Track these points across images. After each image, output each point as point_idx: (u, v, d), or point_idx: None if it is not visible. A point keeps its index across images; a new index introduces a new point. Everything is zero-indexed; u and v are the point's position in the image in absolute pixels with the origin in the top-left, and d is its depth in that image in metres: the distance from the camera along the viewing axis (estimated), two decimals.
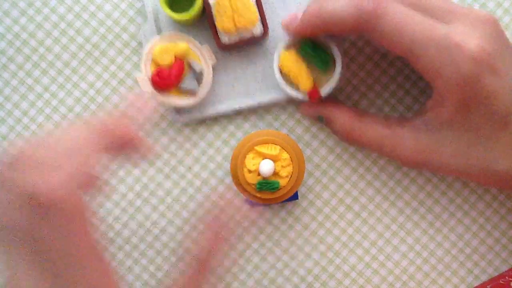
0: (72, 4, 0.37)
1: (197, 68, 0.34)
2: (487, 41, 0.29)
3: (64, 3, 0.37)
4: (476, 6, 0.38)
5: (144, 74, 0.34)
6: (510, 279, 0.37)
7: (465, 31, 0.29)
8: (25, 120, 0.38)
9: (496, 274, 0.38)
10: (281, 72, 0.35)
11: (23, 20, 0.37)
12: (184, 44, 0.34)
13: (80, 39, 0.38)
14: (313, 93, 0.34)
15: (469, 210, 0.38)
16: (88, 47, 0.38)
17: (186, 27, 0.37)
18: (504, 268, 0.38)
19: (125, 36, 0.38)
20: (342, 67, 0.35)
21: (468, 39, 0.29)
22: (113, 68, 0.38)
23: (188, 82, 0.35)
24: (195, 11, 0.34)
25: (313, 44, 0.34)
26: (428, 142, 0.32)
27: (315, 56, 0.34)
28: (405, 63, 0.38)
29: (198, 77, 0.35)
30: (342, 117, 0.34)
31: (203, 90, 0.35)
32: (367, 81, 0.38)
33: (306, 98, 0.34)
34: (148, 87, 0.34)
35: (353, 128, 0.34)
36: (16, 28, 0.37)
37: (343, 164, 0.38)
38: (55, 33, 0.37)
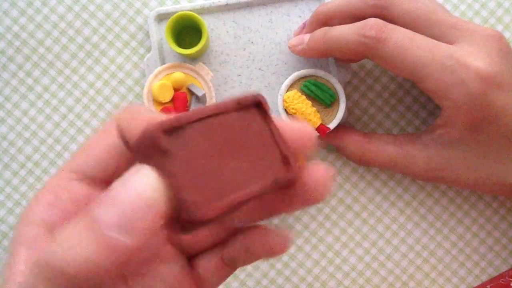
0: (72, 4, 0.37)
1: (199, 92, 0.34)
2: (493, 59, 0.29)
3: (64, 3, 0.37)
4: (476, 7, 0.38)
5: None
6: (510, 279, 0.37)
7: (470, 50, 0.29)
8: (25, 120, 0.37)
9: (496, 274, 0.38)
10: (287, 112, 0.35)
11: (22, 20, 0.37)
12: (179, 74, 0.34)
13: (80, 39, 0.38)
14: (323, 129, 0.34)
15: (469, 210, 0.38)
16: (88, 47, 0.38)
17: (190, 58, 0.37)
18: (504, 268, 0.38)
19: (125, 36, 0.38)
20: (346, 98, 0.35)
21: (474, 58, 0.29)
22: (113, 68, 0.38)
23: (194, 107, 0.35)
24: (199, 48, 0.34)
25: (315, 82, 0.34)
26: (440, 160, 0.32)
27: (319, 91, 0.34)
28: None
29: (202, 98, 0.35)
30: (351, 143, 0.35)
31: None
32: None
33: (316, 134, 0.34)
34: None
35: (364, 153, 0.34)
36: (16, 28, 0.37)
37: (344, 164, 0.38)
38: (55, 33, 0.37)
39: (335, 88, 0.34)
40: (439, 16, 0.30)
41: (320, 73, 0.34)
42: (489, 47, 0.29)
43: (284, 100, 0.34)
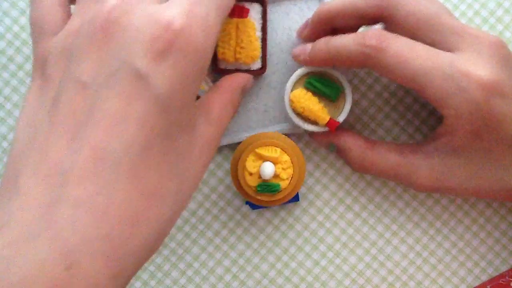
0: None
1: (200, 92, 0.34)
2: (495, 67, 0.29)
3: None
4: (477, 7, 0.38)
5: None
6: (510, 279, 0.37)
7: (471, 58, 0.29)
8: None
9: (496, 274, 0.38)
10: (294, 111, 0.35)
11: (23, 20, 0.37)
12: None
13: None
14: (332, 124, 0.34)
15: (469, 210, 0.38)
16: None
17: None
18: (504, 268, 0.38)
19: None
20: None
21: (475, 66, 0.29)
22: None
23: None
24: None
25: (319, 77, 0.34)
26: (442, 169, 0.32)
27: (323, 87, 0.34)
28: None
29: None
30: (355, 146, 0.34)
31: None
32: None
33: (326, 129, 0.35)
34: None
35: (366, 157, 0.34)
36: (16, 28, 0.37)
37: (343, 164, 0.38)
38: None
39: (340, 81, 0.34)
40: (442, 20, 0.30)
41: (323, 68, 0.34)
42: (491, 55, 0.29)
43: (290, 100, 0.34)
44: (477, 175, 0.31)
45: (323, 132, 0.35)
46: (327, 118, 0.34)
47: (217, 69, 0.35)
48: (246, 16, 0.34)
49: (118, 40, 0.24)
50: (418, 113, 0.38)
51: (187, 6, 0.24)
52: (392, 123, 0.38)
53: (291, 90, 0.34)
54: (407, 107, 0.38)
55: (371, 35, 0.30)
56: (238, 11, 0.33)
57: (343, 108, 0.34)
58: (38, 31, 0.27)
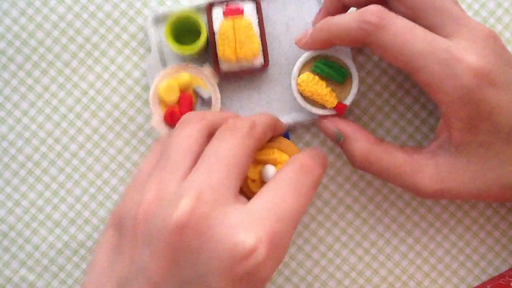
0: (72, 4, 0.37)
1: (205, 94, 0.34)
2: (487, 56, 0.29)
3: (64, 3, 0.37)
4: (476, 6, 0.38)
5: (157, 116, 0.34)
6: (510, 279, 0.37)
7: (467, 46, 0.29)
8: (25, 120, 0.38)
9: (496, 274, 0.38)
10: (302, 96, 0.35)
11: (22, 20, 0.37)
12: (186, 75, 0.34)
13: (80, 39, 0.38)
14: (340, 107, 0.34)
15: (469, 210, 0.38)
16: (88, 47, 0.38)
17: (191, 57, 0.37)
18: (504, 268, 0.38)
19: (125, 36, 0.38)
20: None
21: (469, 53, 0.29)
22: (113, 68, 0.38)
23: (199, 109, 0.35)
24: (199, 45, 0.34)
25: (325, 61, 0.34)
26: (448, 168, 0.31)
27: (331, 70, 0.34)
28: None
29: (207, 100, 0.35)
30: (363, 137, 0.34)
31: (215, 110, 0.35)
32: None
33: (333, 113, 0.35)
34: (164, 129, 0.34)
35: (371, 152, 0.33)
36: (16, 28, 0.37)
37: (344, 164, 0.38)
38: (55, 33, 0.37)
39: (346, 65, 0.35)
40: (445, 5, 0.31)
41: (329, 51, 0.35)
42: (485, 46, 0.30)
43: (298, 84, 0.34)
44: (480, 175, 0.31)
45: (332, 119, 0.35)
46: (335, 102, 0.34)
47: (220, 72, 0.35)
48: (241, 14, 0.34)
49: (195, 251, 0.24)
50: (418, 113, 0.38)
51: (271, 228, 0.25)
52: (392, 123, 0.38)
53: (298, 75, 0.35)
54: (407, 107, 0.38)
55: (372, 12, 0.30)
56: (232, 11, 0.34)
57: (350, 90, 0.35)
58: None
